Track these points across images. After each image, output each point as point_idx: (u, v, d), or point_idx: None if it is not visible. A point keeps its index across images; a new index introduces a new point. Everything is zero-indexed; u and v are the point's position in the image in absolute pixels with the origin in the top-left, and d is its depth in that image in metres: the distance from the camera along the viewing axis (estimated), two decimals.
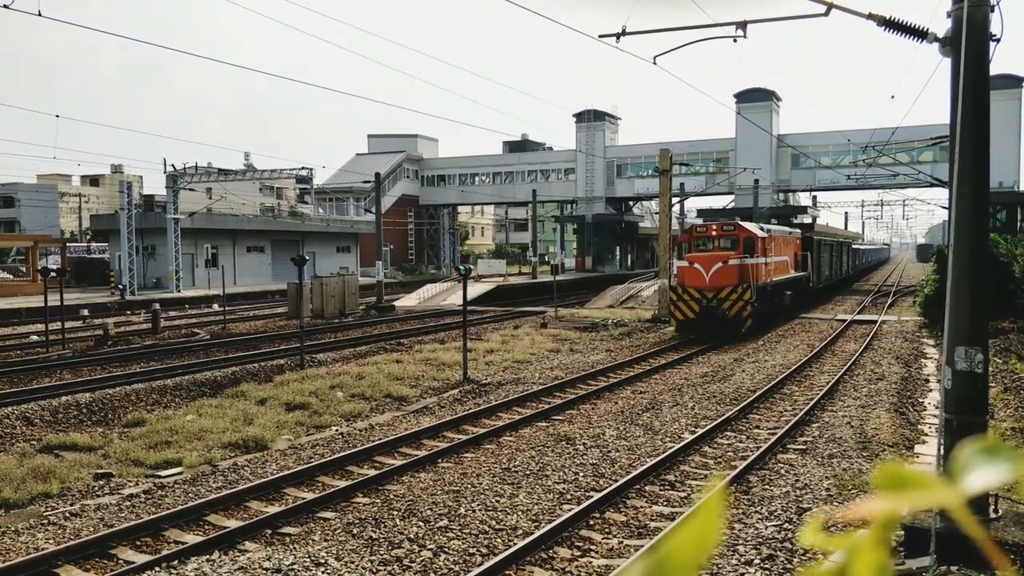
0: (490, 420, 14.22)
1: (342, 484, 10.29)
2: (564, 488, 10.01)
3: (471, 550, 8.00)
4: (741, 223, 26.94)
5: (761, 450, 11.32)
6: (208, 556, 7.87)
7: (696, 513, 0.55)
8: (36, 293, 36.18)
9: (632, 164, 65.34)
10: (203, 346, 23.78)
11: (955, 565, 6.65)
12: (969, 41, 7.21)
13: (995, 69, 7.95)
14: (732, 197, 55.92)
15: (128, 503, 9.72)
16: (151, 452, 11.89)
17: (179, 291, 44.15)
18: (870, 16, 8.74)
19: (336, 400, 15.80)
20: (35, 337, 25.98)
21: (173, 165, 45.18)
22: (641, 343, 24.77)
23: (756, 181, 53.70)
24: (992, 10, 7.47)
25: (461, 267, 20.53)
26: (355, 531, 8.53)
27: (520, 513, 9.09)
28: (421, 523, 8.72)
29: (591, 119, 65.95)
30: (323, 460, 11.36)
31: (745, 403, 14.64)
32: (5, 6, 16.01)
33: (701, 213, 57.22)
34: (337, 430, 13.73)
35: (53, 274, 25.68)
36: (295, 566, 7.50)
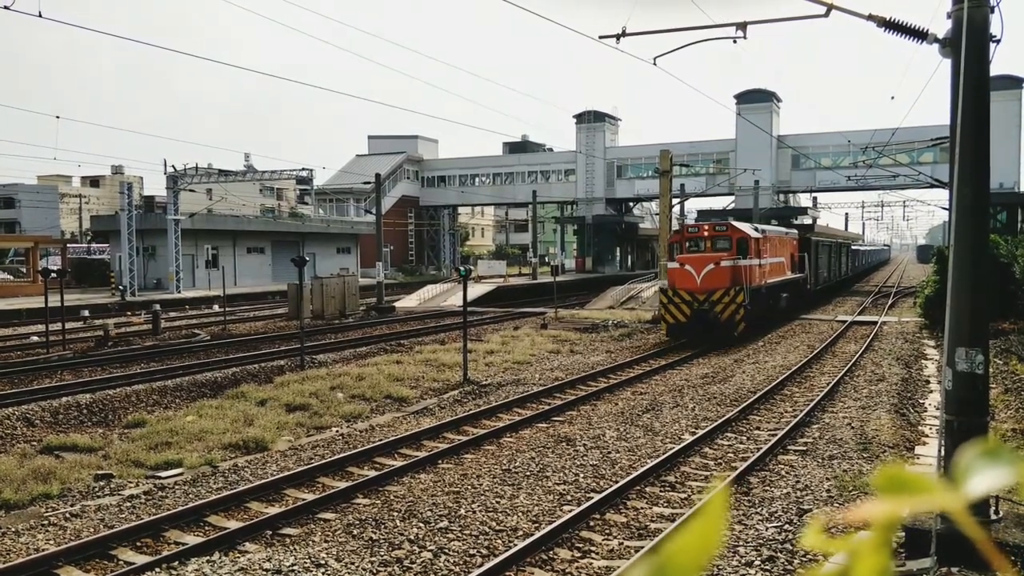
0: (490, 421, 14.23)
1: (342, 485, 10.30)
2: (564, 489, 10.01)
3: (471, 551, 8.00)
4: (734, 223, 25.96)
5: (761, 451, 11.32)
6: (208, 557, 7.87)
7: (698, 515, 0.55)
8: (36, 294, 36.19)
9: (632, 165, 65.35)
10: (203, 347, 23.78)
11: (956, 566, 6.64)
12: (969, 42, 7.22)
13: (995, 69, 7.94)
14: (732, 198, 55.91)
15: (128, 504, 9.72)
16: (151, 453, 11.89)
17: (179, 292, 44.15)
18: (870, 17, 8.74)
19: (336, 401, 15.80)
20: (36, 338, 25.98)
21: (173, 166, 45.23)
22: (641, 344, 24.77)
23: (756, 182, 53.70)
24: (992, 11, 7.47)
25: (461, 268, 20.53)
26: (355, 532, 8.53)
27: (520, 514, 9.09)
28: (421, 524, 8.72)
29: (591, 120, 65.96)
30: (323, 461, 11.36)
31: (745, 404, 14.64)
32: (6, 7, 16.02)
33: (702, 214, 57.20)
34: (337, 431, 13.73)
35: (53, 275, 25.70)
36: (295, 567, 7.50)
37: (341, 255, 61.29)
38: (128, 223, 43.71)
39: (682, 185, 50.64)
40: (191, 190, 46.39)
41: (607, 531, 8.66)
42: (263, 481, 10.38)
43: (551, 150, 76.76)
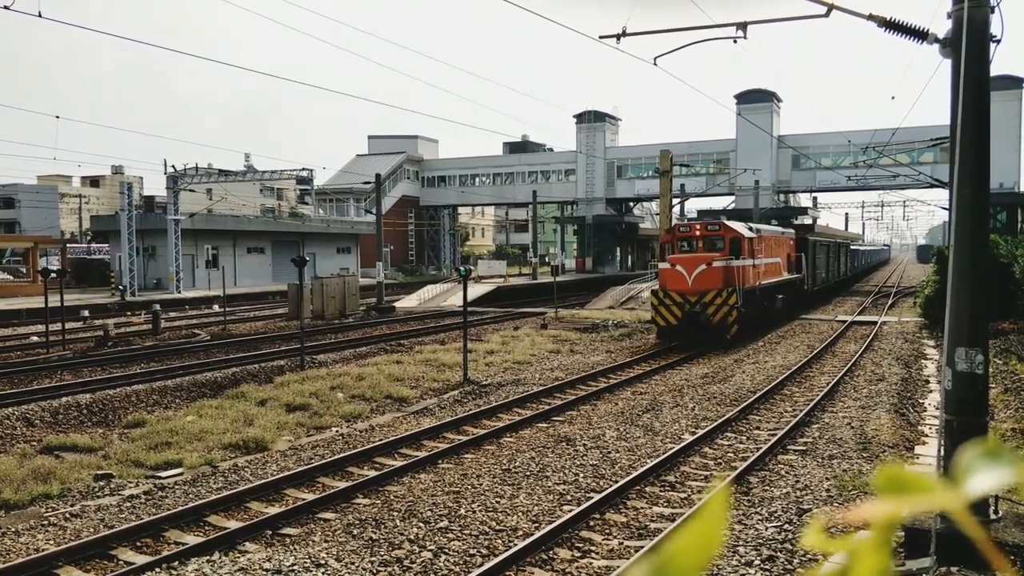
0: (490, 421, 14.23)
1: (342, 485, 10.30)
2: (564, 489, 10.01)
3: (471, 551, 8.00)
4: (727, 222, 25.19)
5: (761, 451, 11.32)
6: (208, 557, 7.88)
7: (699, 515, 0.56)
8: (36, 294, 36.19)
9: (632, 165, 65.36)
10: (203, 347, 23.78)
11: (955, 566, 6.65)
12: (969, 42, 7.22)
13: (995, 70, 7.94)
14: (732, 198, 55.94)
15: (128, 504, 9.72)
16: (151, 453, 11.89)
17: (179, 292, 44.15)
18: (870, 17, 8.74)
19: (336, 401, 15.80)
20: (35, 338, 25.98)
21: (173, 166, 45.23)
22: (641, 344, 24.76)
23: (756, 182, 53.71)
24: (992, 11, 7.47)
25: (461, 268, 20.53)
26: (355, 532, 8.53)
27: (520, 514, 9.09)
28: (421, 524, 8.72)
29: (591, 120, 65.96)
30: (323, 461, 11.36)
31: (745, 404, 14.64)
32: (6, 7, 16.02)
33: (702, 214, 57.19)
34: (337, 431, 13.73)
35: (53, 275, 25.69)
36: (295, 567, 7.50)
37: (341, 255, 61.29)
38: (128, 223, 43.71)
39: (682, 185, 50.67)
40: (191, 190, 46.39)
41: (607, 531, 8.66)
42: (263, 481, 10.38)
43: (551, 150, 76.77)
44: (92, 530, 8.78)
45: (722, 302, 22.70)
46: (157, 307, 29.12)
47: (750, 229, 25.77)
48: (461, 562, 7.73)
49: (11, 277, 50.34)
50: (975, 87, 7.30)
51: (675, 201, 41.18)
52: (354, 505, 9.63)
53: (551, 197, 69.72)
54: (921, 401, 15.27)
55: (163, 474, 10.98)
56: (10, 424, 13.70)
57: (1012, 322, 21.97)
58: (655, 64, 16.06)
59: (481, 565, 7.53)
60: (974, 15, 7.29)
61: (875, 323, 28.77)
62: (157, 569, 7.58)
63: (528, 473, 10.68)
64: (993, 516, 7.19)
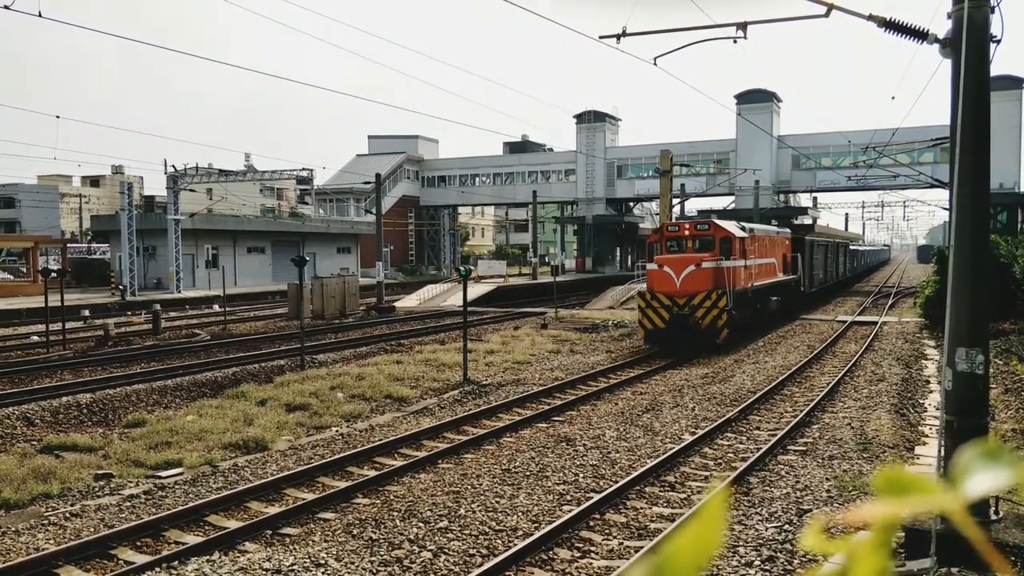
0: (490, 421, 14.23)
1: (342, 485, 10.30)
2: (564, 489, 10.01)
3: (471, 551, 8.00)
4: (717, 221, 24.31)
5: (761, 451, 11.32)
6: (208, 557, 7.87)
7: (698, 515, 0.55)
8: (37, 294, 36.19)
9: (632, 165, 65.35)
10: (203, 347, 23.78)
11: (956, 567, 6.64)
12: (969, 42, 7.22)
13: (995, 70, 7.94)
14: (732, 198, 55.94)
15: (128, 504, 9.72)
16: (151, 453, 11.89)
17: (179, 292, 44.15)
18: (870, 17, 8.74)
19: (336, 401, 15.80)
20: (36, 337, 25.99)
21: (174, 166, 45.23)
22: (641, 344, 24.74)
23: (756, 182, 53.72)
24: (992, 11, 7.47)
25: (461, 268, 20.52)
26: (355, 532, 8.53)
27: (520, 514, 9.09)
28: (421, 524, 8.72)
29: (591, 120, 65.96)
30: (323, 461, 11.36)
31: (745, 404, 14.64)
32: (6, 7, 16.02)
33: (702, 214, 57.19)
34: (337, 431, 13.73)
35: (54, 275, 25.70)
36: (295, 567, 7.50)
37: (341, 255, 61.30)
38: (128, 223, 43.72)
39: (682, 185, 50.66)
40: (191, 190, 46.40)
41: (607, 531, 8.66)
42: (263, 481, 10.38)
43: (551, 150, 76.77)
44: (92, 530, 8.78)
45: (711, 305, 21.82)
46: (157, 307, 29.13)
47: (742, 228, 24.99)
48: (461, 562, 7.73)
49: (11, 277, 50.35)
50: (975, 87, 7.30)
51: (675, 201, 41.17)
52: (354, 505, 9.63)
53: (551, 197, 69.71)
54: (921, 401, 15.26)
55: (163, 474, 10.98)
56: (10, 423, 13.70)
57: (1013, 322, 21.96)
58: (655, 64, 16.06)
59: (481, 565, 7.53)
60: (974, 15, 7.29)
61: (875, 323, 28.77)
62: (157, 569, 7.58)
63: (528, 473, 10.68)
64: (994, 517, 7.19)
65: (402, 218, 70.28)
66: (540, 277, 54.04)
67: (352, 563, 7.66)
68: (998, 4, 7.53)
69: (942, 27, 8.19)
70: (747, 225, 26.52)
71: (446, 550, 8.01)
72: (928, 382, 17.25)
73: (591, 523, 8.81)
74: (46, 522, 9.08)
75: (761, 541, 8.10)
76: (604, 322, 29.80)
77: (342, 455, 11.65)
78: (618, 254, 69.78)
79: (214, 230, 50.83)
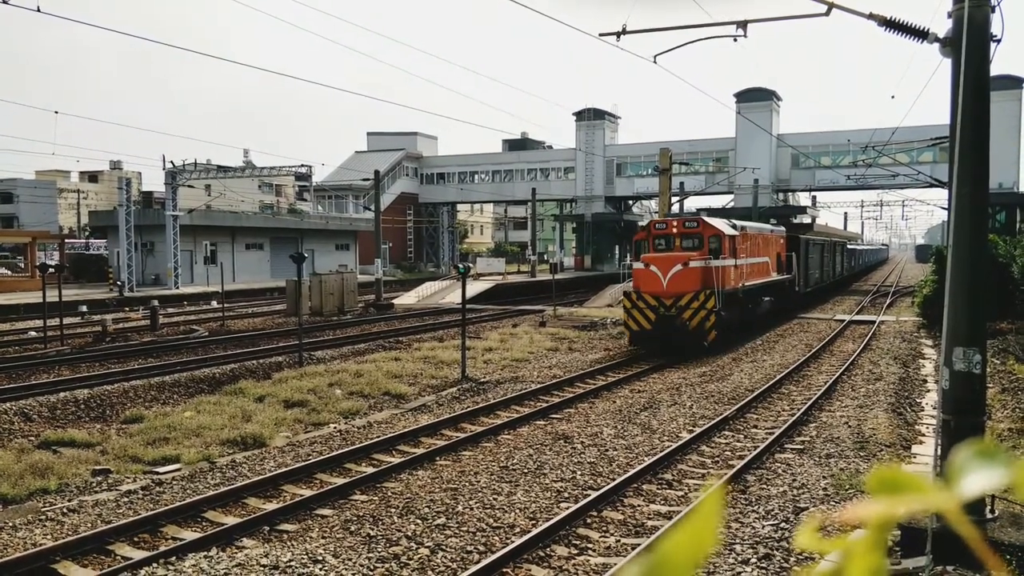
0: (488, 418, 14.23)
1: (340, 481, 10.30)
2: (562, 486, 10.02)
3: (469, 548, 8.01)
4: (706, 219, 23.47)
5: (759, 450, 11.33)
6: (206, 553, 7.88)
7: (694, 513, 0.56)
8: (34, 289, 36.16)
9: (632, 163, 65.32)
10: (201, 343, 23.78)
11: (951, 565, 6.66)
12: (969, 41, 7.22)
13: (995, 69, 7.94)
14: (731, 196, 55.92)
15: (126, 499, 9.72)
16: (149, 448, 11.89)
17: (178, 288, 44.12)
18: (871, 16, 8.74)
19: (334, 397, 15.80)
20: (33, 333, 25.96)
21: (172, 162, 45.18)
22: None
23: (756, 181, 53.70)
24: (993, 10, 7.47)
25: (460, 265, 20.52)
26: (353, 528, 8.53)
27: (518, 511, 9.09)
28: (419, 521, 8.72)
29: (591, 118, 65.91)
30: (321, 457, 11.37)
31: (743, 403, 14.66)
32: (5, 2, 15.99)
33: (700, 212, 57.14)
34: (335, 427, 13.74)
35: (51, 270, 25.67)
36: (292, 563, 7.51)
37: (340, 252, 61.26)
38: (126, 219, 43.67)
39: (681, 183, 50.60)
40: (190, 186, 46.32)
41: (604, 528, 8.67)
42: (261, 477, 10.39)
43: (551, 148, 76.69)
44: (89, 525, 8.78)
45: (699, 306, 21.08)
46: (155, 303, 29.10)
47: (733, 226, 24.24)
48: (458, 559, 7.74)
49: (9, 272, 50.29)
50: (975, 87, 7.30)
51: (674, 199, 41.17)
52: (352, 501, 9.64)
53: (550, 195, 69.68)
54: (919, 400, 15.28)
55: (161, 470, 10.98)
56: (8, 419, 13.69)
57: (1010, 322, 22.00)
58: (655, 62, 16.05)
59: (478, 562, 7.54)
60: (974, 14, 7.29)
61: (873, 322, 28.79)
62: (154, 564, 7.58)
63: (526, 470, 10.69)
64: (989, 515, 7.20)
65: (401, 215, 70.24)
66: (539, 275, 54.03)
67: (350, 559, 7.66)
68: (998, 4, 7.54)
69: (942, 26, 8.20)
70: (738, 223, 25.75)
71: (444, 547, 8.01)
72: (925, 381, 17.27)
73: (588, 520, 8.82)
74: (43, 518, 9.08)
75: (758, 539, 8.11)
76: (602, 320, 29.81)
77: (340, 452, 11.66)
78: (617, 252, 69.72)
79: (212, 226, 50.77)
